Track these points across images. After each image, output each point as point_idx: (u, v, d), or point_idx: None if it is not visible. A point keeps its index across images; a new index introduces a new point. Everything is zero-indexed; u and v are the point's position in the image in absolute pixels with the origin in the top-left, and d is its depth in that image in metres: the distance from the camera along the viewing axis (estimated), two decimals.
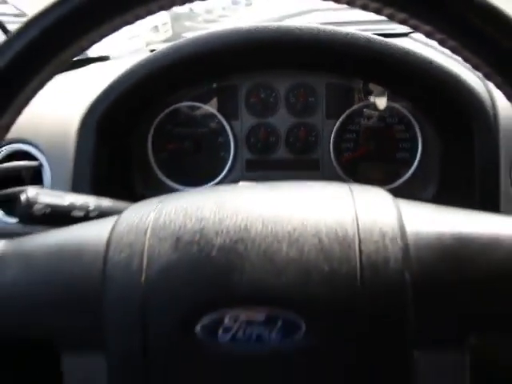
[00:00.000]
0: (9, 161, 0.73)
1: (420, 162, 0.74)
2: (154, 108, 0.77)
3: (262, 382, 0.35)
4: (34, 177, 0.72)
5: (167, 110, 0.78)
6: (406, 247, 0.34)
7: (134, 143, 0.77)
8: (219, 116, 0.78)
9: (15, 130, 0.61)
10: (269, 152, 0.78)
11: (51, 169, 0.70)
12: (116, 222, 0.39)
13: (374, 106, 0.74)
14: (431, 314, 0.34)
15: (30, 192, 0.49)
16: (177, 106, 0.78)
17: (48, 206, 0.49)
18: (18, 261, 0.39)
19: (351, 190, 0.39)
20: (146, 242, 0.36)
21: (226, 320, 0.34)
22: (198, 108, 0.78)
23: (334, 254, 0.34)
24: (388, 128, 0.75)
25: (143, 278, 0.35)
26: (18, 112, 0.39)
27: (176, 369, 0.35)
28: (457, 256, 0.35)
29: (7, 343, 0.41)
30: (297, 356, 0.34)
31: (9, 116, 0.38)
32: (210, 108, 0.78)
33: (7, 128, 0.39)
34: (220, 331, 0.34)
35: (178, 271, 0.35)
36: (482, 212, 0.38)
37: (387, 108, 0.74)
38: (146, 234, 0.37)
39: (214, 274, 0.35)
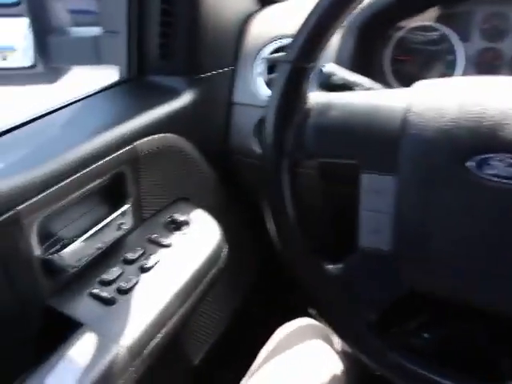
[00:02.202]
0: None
1: None
2: (399, 24, 0.92)
3: None
4: None
5: (408, 27, 0.92)
6: None
7: (376, 50, 0.93)
8: (453, 37, 0.90)
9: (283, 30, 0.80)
10: (492, 74, 0.90)
11: None
12: (413, 89, 0.56)
13: None
14: None
15: (331, 66, 0.67)
16: (416, 24, 0.92)
17: (342, 78, 0.67)
18: (339, 106, 0.57)
19: None
20: (438, 104, 0.53)
21: (492, 160, 0.50)
22: (434, 29, 0.92)
23: None
24: None
25: (433, 128, 0.52)
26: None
27: (448, 190, 0.52)
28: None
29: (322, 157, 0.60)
30: None
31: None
32: (445, 29, 0.91)
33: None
34: (486, 167, 0.50)
35: (460, 124, 0.51)
36: None
37: None
38: (440, 99, 0.53)
39: (487, 128, 0.50)
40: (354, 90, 0.68)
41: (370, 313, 0.59)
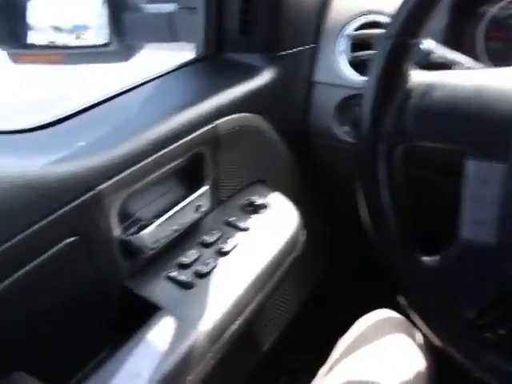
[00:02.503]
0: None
1: None
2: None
3: None
4: None
5: (505, 1, 0.86)
6: None
7: (469, 27, 0.87)
8: None
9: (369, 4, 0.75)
10: None
11: None
12: None
13: None
14: None
15: (429, 42, 0.62)
16: None
17: (441, 56, 0.62)
18: (444, 86, 0.53)
19: None
20: None
21: None
22: None
23: None
24: None
25: None
26: None
27: None
28: None
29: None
30: None
31: None
32: None
33: None
34: None
35: None
36: None
37: None
38: None
39: None
40: (454, 68, 0.63)
41: (468, 310, 0.54)
